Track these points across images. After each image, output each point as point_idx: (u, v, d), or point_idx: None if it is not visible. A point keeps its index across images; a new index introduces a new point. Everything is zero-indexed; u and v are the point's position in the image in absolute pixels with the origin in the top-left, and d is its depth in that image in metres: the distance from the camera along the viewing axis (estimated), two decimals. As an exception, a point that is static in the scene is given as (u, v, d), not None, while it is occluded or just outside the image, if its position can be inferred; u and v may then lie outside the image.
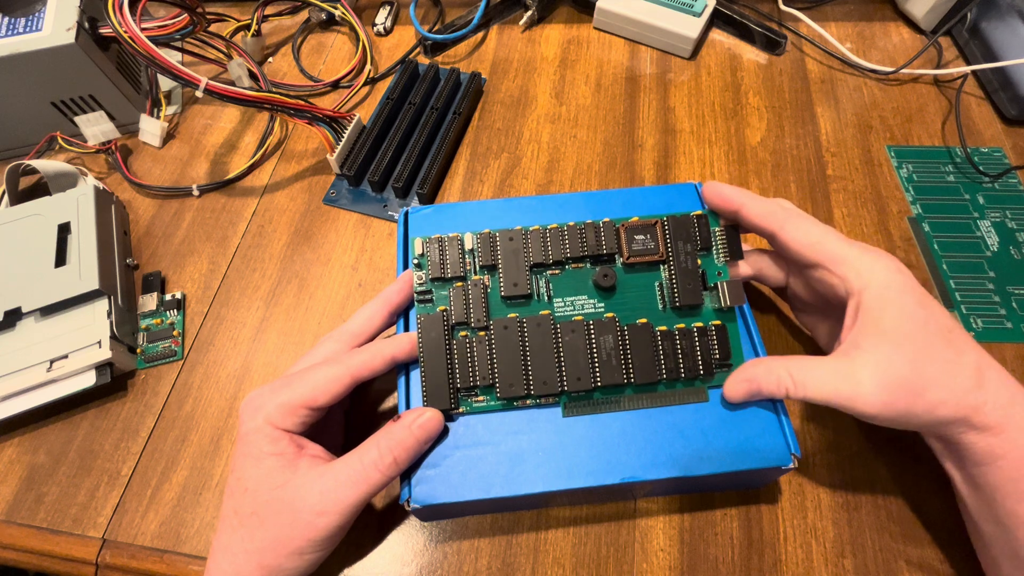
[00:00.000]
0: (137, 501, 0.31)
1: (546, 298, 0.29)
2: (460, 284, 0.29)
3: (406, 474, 0.26)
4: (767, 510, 0.30)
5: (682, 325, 0.28)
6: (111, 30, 0.35)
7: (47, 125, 0.42)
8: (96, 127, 0.42)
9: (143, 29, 0.35)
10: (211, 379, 0.35)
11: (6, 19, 0.38)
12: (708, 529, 0.30)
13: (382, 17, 0.51)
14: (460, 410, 0.27)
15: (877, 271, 0.25)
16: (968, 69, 0.44)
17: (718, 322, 0.28)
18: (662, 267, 0.29)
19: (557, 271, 0.29)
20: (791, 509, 0.30)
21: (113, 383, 0.33)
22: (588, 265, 0.29)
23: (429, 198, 0.41)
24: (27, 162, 0.39)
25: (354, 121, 0.42)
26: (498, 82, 0.47)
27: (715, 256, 0.29)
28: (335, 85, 0.47)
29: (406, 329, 0.29)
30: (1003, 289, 0.36)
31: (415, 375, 0.28)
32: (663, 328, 0.28)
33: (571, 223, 0.30)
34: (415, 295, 0.29)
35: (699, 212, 0.30)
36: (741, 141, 0.43)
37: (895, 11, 0.50)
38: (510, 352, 0.27)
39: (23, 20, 0.38)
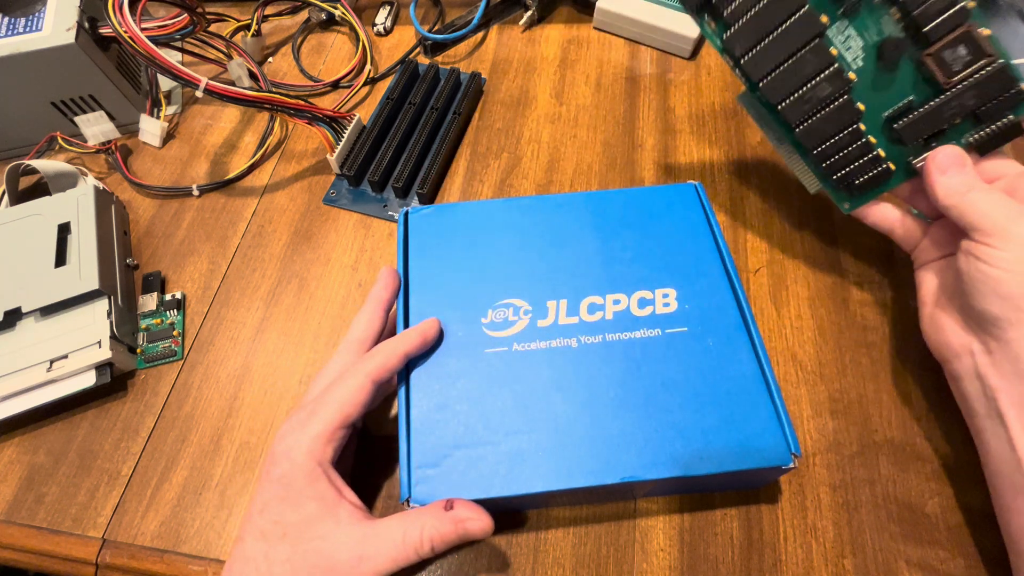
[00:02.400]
0: (137, 501, 0.31)
1: (839, 14, 0.25)
2: None
3: (406, 474, 0.26)
4: (767, 510, 0.30)
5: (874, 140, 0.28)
6: (111, 30, 0.35)
7: (47, 125, 0.42)
8: (96, 127, 0.42)
9: (143, 29, 0.35)
10: (211, 379, 0.35)
11: (6, 19, 0.38)
12: (708, 529, 0.30)
13: (382, 17, 0.51)
14: None
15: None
16: (968, 69, 0.44)
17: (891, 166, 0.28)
18: (936, 92, 0.26)
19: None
20: (791, 509, 0.30)
21: (113, 383, 0.33)
22: (899, 29, 0.25)
23: (429, 198, 0.41)
24: (27, 162, 0.39)
25: (354, 121, 0.42)
26: (498, 82, 0.47)
27: (970, 134, 0.27)
28: (335, 85, 0.47)
29: (406, 321, 0.29)
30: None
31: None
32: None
33: None
34: None
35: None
36: (741, 141, 0.43)
37: (895, 11, 0.50)
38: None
39: (23, 20, 0.38)
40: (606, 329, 0.29)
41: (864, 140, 0.28)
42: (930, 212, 0.30)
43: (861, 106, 0.27)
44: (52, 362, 0.32)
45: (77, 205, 0.36)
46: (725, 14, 0.27)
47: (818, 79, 0.27)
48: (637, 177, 0.42)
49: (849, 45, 0.27)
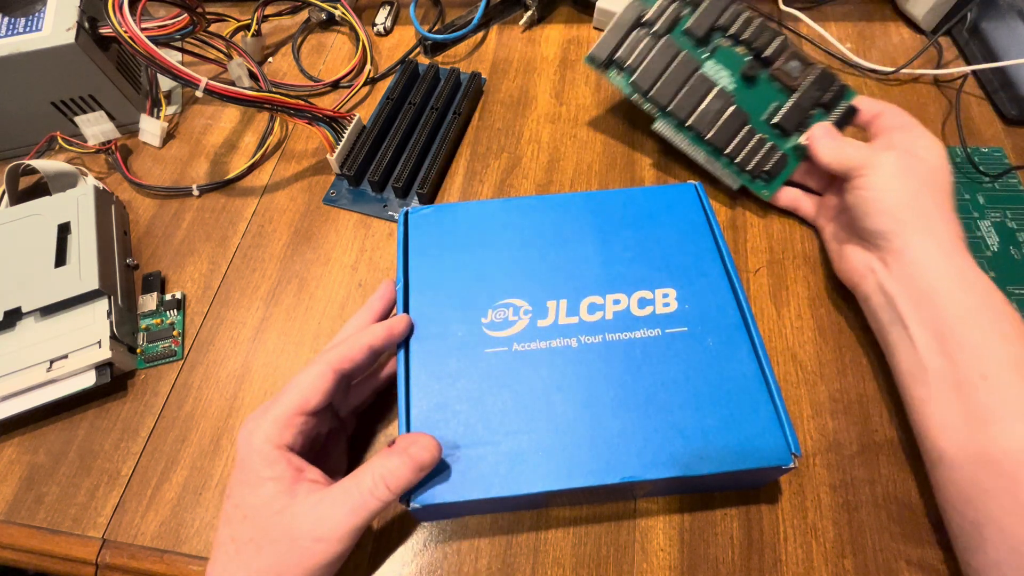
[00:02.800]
0: (137, 501, 0.31)
1: (706, 56, 0.36)
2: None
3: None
4: (767, 510, 0.30)
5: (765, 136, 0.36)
6: (111, 30, 0.35)
7: (47, 125, 0.42)
8: (96, 127, 0.42)
9: (143, 29, 0.35)
10: (211, 379, 0.35)
11: (6, 19, 0.38)
12: (708, 529, 0.30)
13: (382, 17, 0.51)
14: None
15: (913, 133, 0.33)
16: (968, 69, 0.44)
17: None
18: (790, 94, 0.36)
19: (728, 42, 0.36)
20: (791, 509, 0.30)
21: (113, 383, 0.33)
22: (751, 58, 0.36)
23: (429, 198, 0.41)
24: (27, 162, 0.39)
25: (354, 121, 0.42)
26: (498, 82, 0.47)
27: (827, 117, 0.36)
28: (335, 85, 0.47)
29: (406, 310, 0.30)
30: (1003, 288, 0.36)
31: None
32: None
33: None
34: None
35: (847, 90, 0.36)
36: (741, 141, 0.43)
37: (895, 11, 0.50)
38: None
39: (23, 20, 0.38)
40: (606, 329, 0.29)
41: (758, 136, 0.37)
42: (819, 187, 0.38)
43: (746, 112, 0.37)
44: (52, 362, 0.32)
45: (77, 205, 0.36)
46: (625, 66, 0.37)
47: (709, 97, 0.37)
48: (637, 177, 0.42)
49: (721, 73, 0.37)
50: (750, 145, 0.37)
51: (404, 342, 0.29)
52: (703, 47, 0.37)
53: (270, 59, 0.50)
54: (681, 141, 0.38)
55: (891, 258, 0.31)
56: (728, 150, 0.37)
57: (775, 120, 0.37)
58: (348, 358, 0.27)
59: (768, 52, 0.36)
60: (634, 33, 0.37)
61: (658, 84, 0.37)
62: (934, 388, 0.28)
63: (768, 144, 0.37)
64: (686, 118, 0.37)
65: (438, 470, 0.26)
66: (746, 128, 0.37)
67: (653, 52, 0.36)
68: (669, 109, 0.37)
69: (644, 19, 0.37)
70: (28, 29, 0.38)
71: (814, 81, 0.36)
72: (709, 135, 0.37)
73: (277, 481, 0.24)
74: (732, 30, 0.36)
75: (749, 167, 0.37)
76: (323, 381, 0.26)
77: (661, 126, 0.38)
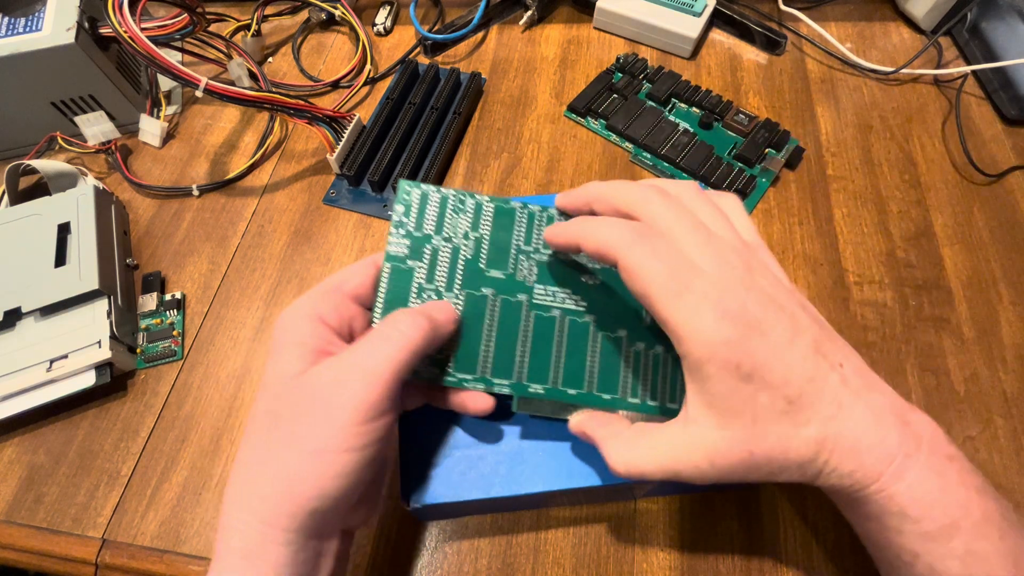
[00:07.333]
0: (137, 501, 0.31)
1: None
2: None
3: (406, 474, 0.26)
4: (767, 510, 0.30)
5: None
6: (111, 30, 0.35)
7: (47, 125, 0.42)
8: (96, 127, 0.42)
9: (143, 29, 0.35)
10: (211, 379, 0.35)
11: (6, 19, 0.38)
12: (708, 529, 0.30)
13: (382, 17, 0.51)
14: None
15: (701, 329, 0.19)
16: (968, 69, 0.44)
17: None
18: (744, 137, 0.38)
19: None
20: (791, 509, 0.30)
21: (113, 383, 0.33)
22: (705, 112, 0.38)
23: (429, 198, 0.41)
24: (27, 162, 0.39)
25: (354, 121, 0.42)
26: (498, 82, 0.47)
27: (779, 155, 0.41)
28: (335, 85, 0.47)
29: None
30: (1003, 289, 0.36)
31: None
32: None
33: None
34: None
35: None
36: (741, 141, 0.43)
37: (895, 11, 0.50)
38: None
39: (23, 20, 0.38)
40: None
41: (726, 163, 0.41)
42: None
43: (711, 145, 0.42)
44: (52, 362, 0.32)
45: (77, 205, 0.36)
46: (599, 112, 0.44)
47: (675, 134, 0.42)
48: (637, 177, 0.42)
49: (680, 120, 0.44)
50: (720, 170, 0.40)
51: None
52: (664, 105, 0.45)
53: (270, 59, 0.50)
54: (656, 172, 0.42)
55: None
56: (702, 172, 0.40)
57: (736, 153, 0.41)
58: (376, 265, 0.24)
59: (718, 109, 0.43)
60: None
61: (630, 125, 0.43)
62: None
63: (736, 168, 0.41)
64: (659, 149, 0.42)
65: (438, 470, 0.26)
66: (714, 157, 0.41)
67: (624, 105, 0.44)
68: (642, 143, 0.42)
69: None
70: (28, 29, 0.38)
71: (760, 128, 0.42)
72: (681, 161, 0.41)
73: (300, 345, 0.22)
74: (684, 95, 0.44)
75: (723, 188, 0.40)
76: (364, 267, 0.24)
77: (639, 161, 0.42)
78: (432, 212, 0.25)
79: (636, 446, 0.22)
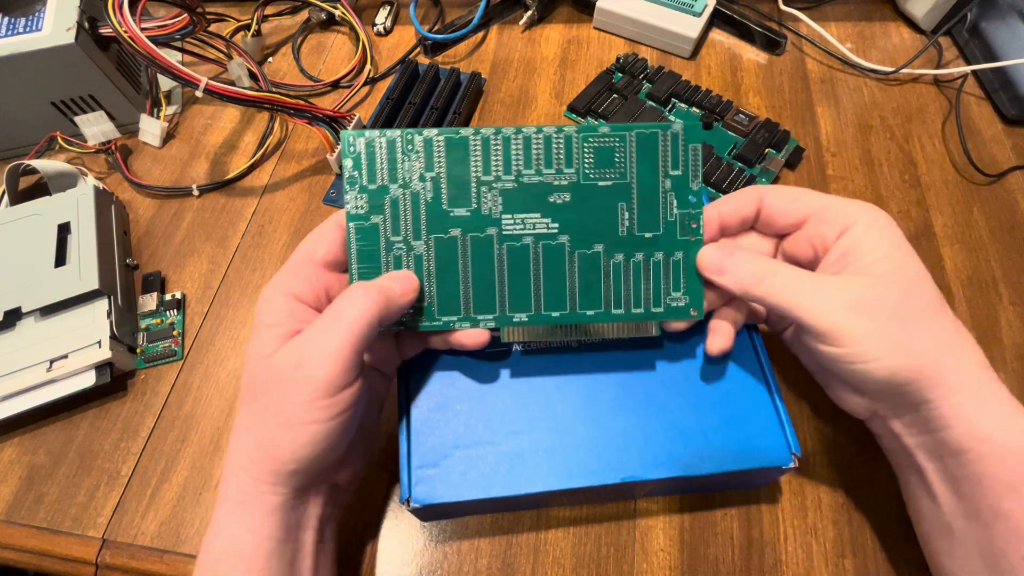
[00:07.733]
0: (137, 501, 0.31)
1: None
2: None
3: (406, 474, 0.26)
4: (767, 510, 0.30)
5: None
6: (111, 30, 0.35)
7: (47, 125, 0.42)
8: (96, 127, 0.42)
9: (143, 29, 0.35)
10: (211, 379, 0.35)
11: (6, 19, 0.38)
12: (708, 529, 0.30)
13: (382, 17, 0.51)
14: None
15: (862, 213, 0.24)
16: (968, 69, 0.44)
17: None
18: (744, 137, 0.37)
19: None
20: (791, 509, 0.30)
21: (113, 383, 0.33)
22: (705, 112, 0.36)
23: (429, 198, 0.41)
24: (27, 162, 0.39)
25: (354, 121, 0.42)
26: (498, 82, 0.47)
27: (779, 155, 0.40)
28: (335, 85, 0.47)
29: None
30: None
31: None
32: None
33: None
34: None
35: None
36: (741, 141, 0.43)
37: (895, 11, 0.50)
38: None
39: (23, 20, 0.38)
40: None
41: (726, 163, 0.41)
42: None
43: (711, 145, 0.42)
44: (52, 362, 0.32)
45: (77, 205, 0.36)
46: (599, 112, 0.44)
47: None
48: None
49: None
50: (720, 170, 0.40)
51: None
52: (664, 105, 0.44)
53: (270, 59, 0.50)
54: None
55: (904, 411, 0.24)
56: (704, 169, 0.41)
57: (736, 153, 0.42)
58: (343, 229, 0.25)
59: (718, 109, 0.43)
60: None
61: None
62: (959, 547, 0.23)
63: (736, 168, 0.41)
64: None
65: (438, 470, 0.26)
66: (714, 157, 0.41)
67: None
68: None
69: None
70: (28, 29, 0.38)
71: (761, 127, 0.42)
72: None
73: (275, 327, 0.23)
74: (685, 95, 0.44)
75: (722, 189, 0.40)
76: (330, 231, 0.25)
77: None
78: (382, 159, 0.25)
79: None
